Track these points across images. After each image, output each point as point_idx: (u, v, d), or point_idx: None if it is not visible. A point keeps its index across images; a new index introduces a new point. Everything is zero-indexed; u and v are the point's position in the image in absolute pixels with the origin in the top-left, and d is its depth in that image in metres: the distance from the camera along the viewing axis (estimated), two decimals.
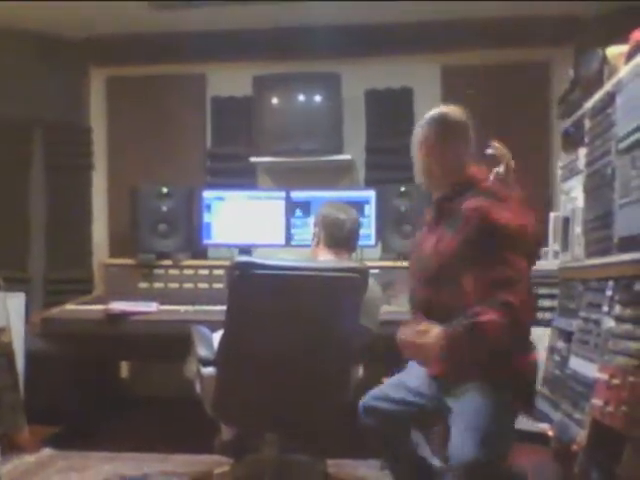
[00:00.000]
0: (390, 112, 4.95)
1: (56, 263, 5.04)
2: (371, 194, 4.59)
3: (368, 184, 4.87)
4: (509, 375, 2.41)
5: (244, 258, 2.85)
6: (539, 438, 3.45)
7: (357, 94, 4.96)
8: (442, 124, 2.56)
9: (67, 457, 3.79)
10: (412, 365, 2.61)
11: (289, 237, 4.66)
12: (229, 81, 5.10)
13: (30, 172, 4.99)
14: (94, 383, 4.69)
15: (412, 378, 2.56)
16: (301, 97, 4.85)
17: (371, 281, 2.83)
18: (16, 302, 4.33)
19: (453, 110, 2.58)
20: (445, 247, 2.41)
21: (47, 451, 3.89)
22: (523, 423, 3.61)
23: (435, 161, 2.54)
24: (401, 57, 4.92)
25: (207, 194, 4.77)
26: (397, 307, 3.88)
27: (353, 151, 4.87)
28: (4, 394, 3.91)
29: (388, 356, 3.01)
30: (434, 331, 2.30)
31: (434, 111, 2.61)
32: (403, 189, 4.49)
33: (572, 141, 3.66)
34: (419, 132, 2.60)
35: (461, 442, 2.24)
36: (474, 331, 2.25)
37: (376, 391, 2.61)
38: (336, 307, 2.67)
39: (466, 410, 2.32)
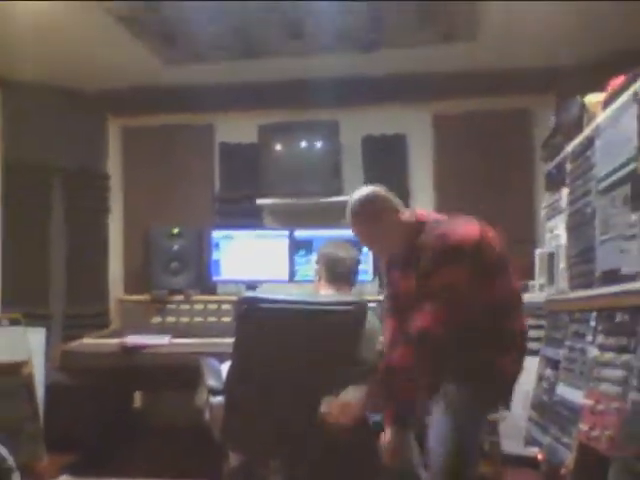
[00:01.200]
0: (385, 156, 4.99)
1: (75, 299, 5.02)
2: None
3: None
4: (485, 378, 2.36)
5: (251, 293, 2.85)
6: (529, 462, 3.42)
7: (355, 140, 4.99)
8: (371, 205, 2.53)
9: None
10: None
11: (293, 273, 4.66)
12: (236, 129, 5.14)
13: (51, 215, 5.00)
14: (109, 413, 4.65)
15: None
16: (303, 143, 4.88)
17: (369, 314, 2.82)
18: (37, 337, 4.34)
19: (372, 190, 2.57)
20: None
21: (64, 478, 3.84)
22: (514, 447, 3.59)
23: (381, 236, 2.52)
24: (395, 106, 4.95)
25: (216, 233, 4.78)
26: None
27: (352, 192, 4.87)
28: (25, 424, 3.90)
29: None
30: (350, 395, 2.33)
31: (358, 195, 2.58)
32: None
33: (555, 182, 3.68)
34: (353, 217, 2.56)
35: (433, 452, 2.26)
36: (382, 377, 2.30)
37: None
38: (337, 338, 2.65)
39: (435, 422, 2.32)
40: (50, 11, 3.64)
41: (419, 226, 2.46)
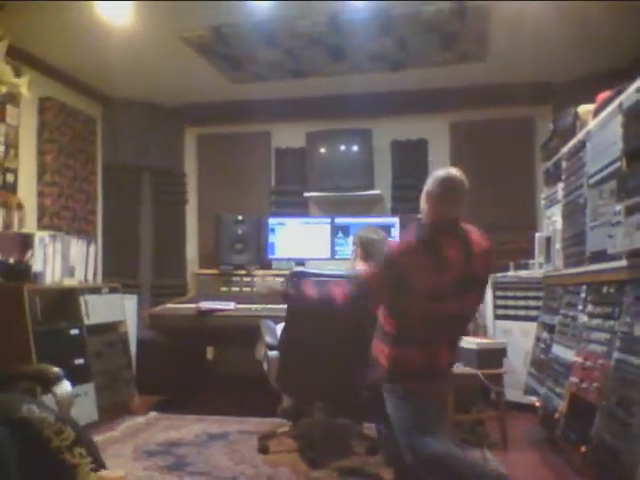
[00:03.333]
0: (410, 158, 4.93)
1: (160, 273, 5.11)
2: (395, 220, 4.57)
3: (393, 212, 4.85)
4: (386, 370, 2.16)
5: (299, 268, 2.86)
6: (529, 408, 3.39)
7: (384, 144, 4.94)
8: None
9: (168, 419, 3.80)
10: None
11: (333, 253, 4.65)
12: (288, 136, 5.13)
13: (141, 205, 5.09)
14: (187, 363, 4.72)
15: None
16: (342, 147, 4.86)
17: None
18: (130, 302, 4.42)
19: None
20: None
21: (153, 414, 3.90)
22: (516, 396, 3.56)
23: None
24: (418, 116, 4.89)
25: (272, 220, 4.80)
26: None
27: (382, 187, 4.86)
28: (121, 372, 3.95)
29: None
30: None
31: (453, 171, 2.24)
32: (420, 216, 4.45)
33: (552, 178, 3.61)
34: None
35: None
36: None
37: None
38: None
39: None
40: (139, 41, 3.68)
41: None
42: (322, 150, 4.88)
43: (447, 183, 2.18)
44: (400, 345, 2.13)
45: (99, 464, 1.56)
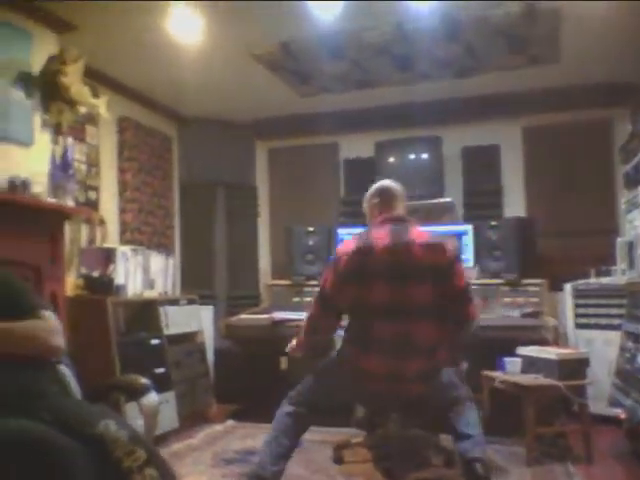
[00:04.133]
0: (481, 164, 4.84)
1: (234, 284, 5.22)
2: (468, 227, 4.49)
3: (466, 220, 4.77)
4: None
5: None
6: (613, 420, 3.24)
7: (454, 151, 4.87)
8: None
9: (244, 427, 3.86)
10: None
11: None
12: (356, 146, 5.14)
13: (215, 219, 5.22)
14: (262, 372, 4.78)
15: None
16: (411, 155, 4.83)
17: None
18: (207, 313, 4.54)
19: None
20: None
21: (230, 422, 3.97)
22: (600, 408, 3.41)
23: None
24: (489, 121, 4.81)
25: (341, 231, 4.81)
26: (490, 315, 3.76)
27: (452, 195, 4.79)
28: (199, 380, 4.05)
29: (485, 353, 2.94)
30: None
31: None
32: (494, 223, 4.37)
33: (632, 181, 3.46)
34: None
35: None
36: None
37: None
38: None
39: None
40: (210, 60, 3.81)
41: None
42: (391, 159, 4.86)
43: (383, 191, 2.57)
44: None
45: None
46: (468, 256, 4.34)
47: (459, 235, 4.33)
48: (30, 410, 1.56)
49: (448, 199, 4.75)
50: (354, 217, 5.12)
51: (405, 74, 4.23)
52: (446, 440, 2.86)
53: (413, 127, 4.87)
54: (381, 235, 2.32)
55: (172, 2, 3.05)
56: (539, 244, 4.39)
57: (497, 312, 3.94)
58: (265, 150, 5.46)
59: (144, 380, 1.98)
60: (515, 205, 4.73)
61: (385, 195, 2.53)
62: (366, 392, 2.39)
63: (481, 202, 4.75)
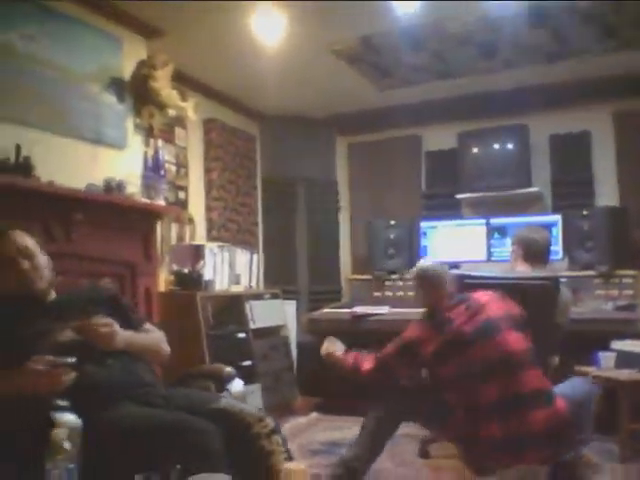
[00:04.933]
0: (571, 152, 4.65)
1: (316, 279, 5.28)
2: (557, 218, 4.34)
3: (554, 210, 4.61)
4: None
5: (456, 271, 2.83)
6: None
7: (542, 139, 4.71)
8: None
9: (328, 420, 3.91)
10: None
11: (489, 254, 4.53)
12: (438, 138, 5.07)
13: (296, 214, 5.30)
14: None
15: None
16: (496, 145, 4.71)
17: (563, 287, 2.68)
18: (290, 307, 4.63)
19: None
20: None
21: (314, 415, 4.04)
22: None
23: None
24: (578, 107, 4.60)
25: (423, 224, 4.79)
26: (582, 308, 3.63)
27: (540, 184, 4.64)
28: (283, 373, 4.15)
29: (578, 347, 2.84)
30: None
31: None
32: (585, 212, 4.20)
33: None
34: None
35: None
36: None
37: None
38: (536, 307, 2.55)
39: None
40: (291, 57, 3.86)
41: None
42: (475, 150, 4.77)
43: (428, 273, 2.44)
44: None
45: (289, 455, 1.68)
46: (557, 248, 4.21)
47: (548, 226, 4.19)
48: (148, 398, 1.70)
49: (535, 188, 4.61)
50: (436, 210, 5.08)
51: (489, 62, 4.13)
52: None
53: (497, 116, 4.74)
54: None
55: (257, 2, 3.13)
56: (633, 234, 4.19)
57: (589, 305, 3.81)
58: (345, 145, 5.48)
59: (229, 368, 2.07)
60: (607, 194, 4.51)
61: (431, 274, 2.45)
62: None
63: (571, 191, 4.57)
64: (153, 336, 1.97)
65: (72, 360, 1.54)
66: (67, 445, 1.30)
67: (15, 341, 1.64)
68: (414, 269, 2.54)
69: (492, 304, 2.28)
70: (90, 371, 1.62)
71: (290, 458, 1.67)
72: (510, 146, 4.66)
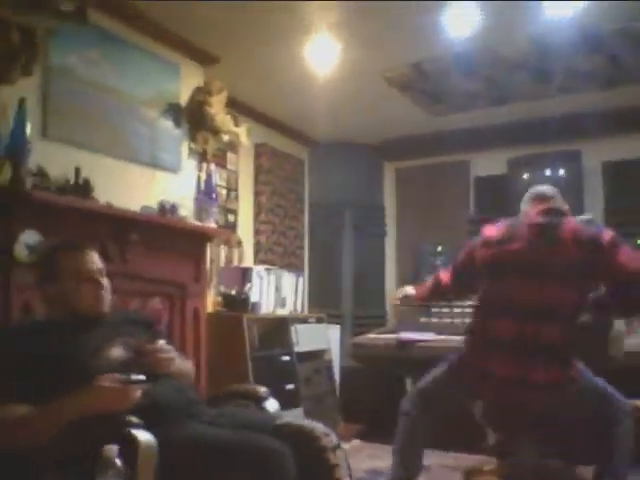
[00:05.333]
0: (625, 179, 4.53)
1: (360, 303, 5.26)
2: None
3: None
4: None
5: None
6: None
7: (595, 166, 4.62)
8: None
9: (371, 447, 3.84)
10: None
11: None
12: (488, 164, 5.04)
13: (342, 240, 5.31)
14: (387, 393, 4.77)
15: None
16: (547, 171, 4.65)
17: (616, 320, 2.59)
18: (334, 331, 4.61)
19: None
20: None
21: (356, 442, 3.99)
22: None
23: None
24: (632, 133, 4.48)
25: None
26: (637, 339, 3.50)
27: (593, 212, 4.53)
28: (326, 398, 4.11)
29: (630, 379, 2.73)
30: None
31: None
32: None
33: None
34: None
35: None
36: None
37: None
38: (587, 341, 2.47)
39: None
40: (342, 85, 3.91)
41: None
42: (525, 176, 4.71)
43: (537, 192, 2.46)
44: None
45: (350, 471, 1.72)
46: None
47: None
48: (201, 416, 1.74)
49: (588, 216, 4.49)
50: None
51: (542, 88, 4.08)
52: (587, 470, 2.69)
53: (549, 142, 4.68)
54: (527, 228, 2.26)
55: (312, 32, 3.20)
56: None
57: None
58: (393, 170, 5.50)
59: (263, 388, 2.09)
60: None
61: (538, 193, 2.47)
62: (488, 400, 2.30)
63: (625, 219, 4.44)
64: (189, 364, 2.04)
65: (142, 378, 1.56)
66: (117, 462, 1.33)
67: (77, 359, 1.67)
68: None
69: None
70: (148, 389, 1.65)
71: (351, 475, 1.71)
72: (562, 172, 4.59)
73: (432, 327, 4.34)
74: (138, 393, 1.54)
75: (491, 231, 2.35)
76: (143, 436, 1.44)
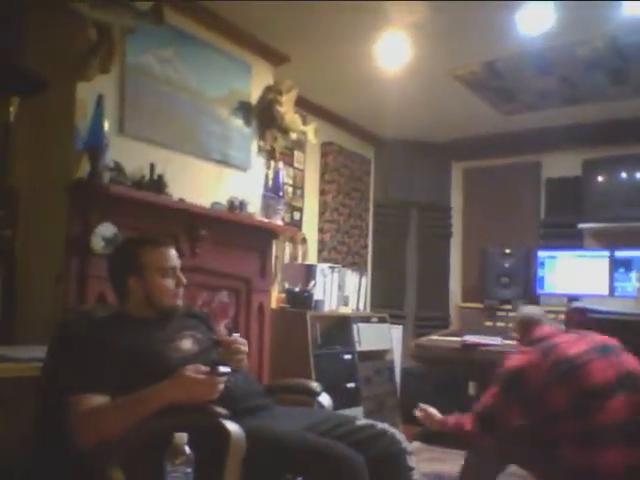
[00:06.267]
0: None
1: (424, 305, 5.23)
2: None
3: None
4: None
5: (580, 304, 2.70)
6: None
7: None
8: None
9: (430, 450, 3.80)
10: None
11: (612, 289, 4.26)
12: (560, 165, 4.87)
13: (407, 240, 5.29)
14: (449, 396, 4.70)
15: None
16: (623, 174, 4.46)
17: None
18: (396, 332, 4.60)
19: None
20: None
21: (416, 444, 3.96)
22: None
23: None
24: None
25: (541, 254, 4.59)
26: None
27: None
28: (387, 398, 4.11)
29: None
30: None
31: None
32: None
33: None
34: None
35: None
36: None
37: None
38: None
39: None
40: (411, 83, 3.88)
41: None
42: (600, 178, 4.54)
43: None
44: None
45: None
46: None
47: None
48: (267, 408, 1.79)
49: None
50: (556, 239, 4.86)
51: (618, 88, 3.93)
52: None
53: (626, 144, 4.48)
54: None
55: (382, 30, 3.19)
56: None
57: None
58: (461, 170, 5.40)
59: (316, 383, 2.12)
60: None
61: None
62: None
63: None
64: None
65: (227, 369, 1.59)
66: (187, 449, 1.36)
67: (159, 351, 1.72)
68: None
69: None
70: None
71: None
72: (638, 176, 4.39)
73: (497, 331, 4.26)
74: (222, 385, 1.57)
75: None
76: (232, 427, 1.47)
